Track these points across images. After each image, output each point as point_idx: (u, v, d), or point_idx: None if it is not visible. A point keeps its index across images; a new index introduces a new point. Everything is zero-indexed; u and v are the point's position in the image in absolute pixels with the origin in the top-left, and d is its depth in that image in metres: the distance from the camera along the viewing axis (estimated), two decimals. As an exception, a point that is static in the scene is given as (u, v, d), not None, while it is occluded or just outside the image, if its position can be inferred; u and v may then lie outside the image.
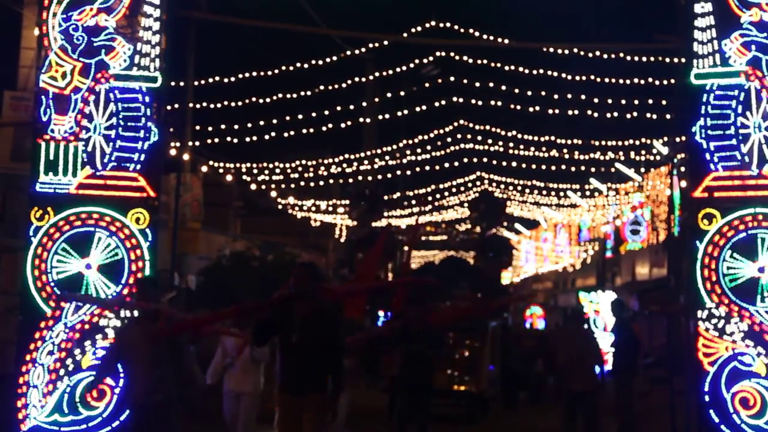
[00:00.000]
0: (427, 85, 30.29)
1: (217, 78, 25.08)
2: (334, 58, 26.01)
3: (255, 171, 32.38)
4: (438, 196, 39.28)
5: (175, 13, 11.16)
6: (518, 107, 28.18)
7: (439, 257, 41.70)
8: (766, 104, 10.11)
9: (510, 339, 20.41)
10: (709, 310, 10.07)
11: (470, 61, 26.80)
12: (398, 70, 28.18)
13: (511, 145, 33.21)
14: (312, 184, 33.79)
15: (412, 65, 28.15)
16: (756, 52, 10.13)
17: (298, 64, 25.58)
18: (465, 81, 28.32)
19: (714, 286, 10.08)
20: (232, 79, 25.22)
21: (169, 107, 13.87)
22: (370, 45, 26.24)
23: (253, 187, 33.83)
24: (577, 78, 25.37)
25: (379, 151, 33.91)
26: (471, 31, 24.48)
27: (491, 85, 27.70)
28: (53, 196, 10.36)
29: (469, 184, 38.03)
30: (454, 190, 38.79)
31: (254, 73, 25.55)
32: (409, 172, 35.43)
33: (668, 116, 26.17)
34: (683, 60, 10.67)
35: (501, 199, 31.26)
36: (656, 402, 15.59)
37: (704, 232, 10.20)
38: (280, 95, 26.54)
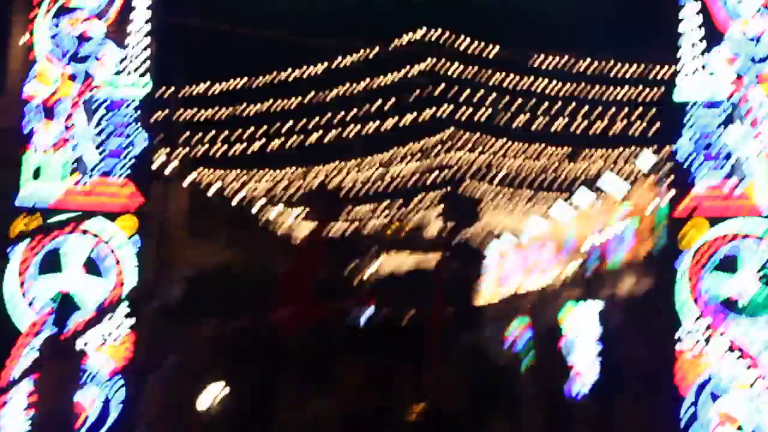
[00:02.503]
0: (415, 94, 30.35)
1: (206, 85, 25.11)
2: (324, 66, 26.05)
3: (242, 180, 32.38)
4: (424, 206, 39.29)
5: (165, 20, 11.15)
6: (507, 116, 28.27)
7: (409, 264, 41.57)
8: (752, 119, 10.14)
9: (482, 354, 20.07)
10: (690, 328, 10.05)
11: (460, 69, 26.89)
12: (387, 78, 28.24)
13: (500, 154, 33.29)
14: (300, 193, 33.78)
15: (401, 74, 28.21)
16: (741, 68, 10.16)
17: (287, 72, 25.61)
18: (454, 89, 28.39)
19: (696, 304, 10.06)
20: (222, 86, 25.26)
21: (157, 114, 13.86)
22: (358, 54, 26.28)
23: (240, 196, 33.81)
24: (566, 87, 25.48)
25: (367, 159, 33.93)
26: (461, 38, 24.56)
27: (481, 93, 27.78)
28: (39, 204, 10.34)
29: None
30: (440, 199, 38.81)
31: (244, 81, 25.58)
32: (397, 182, 35.46)
33: (653, 129, 26.28)
34: (669, 72, 10.68)
35: (473, 197, 31.12)
36: (636, 420, 15.57)
37: (688, 247, 10.20)
38: (269, 103, 26.58)
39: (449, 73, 27.39)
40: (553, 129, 28.30)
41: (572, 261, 53.95)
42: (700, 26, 10.28)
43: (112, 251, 10.32)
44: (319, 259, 9.74)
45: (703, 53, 10.27)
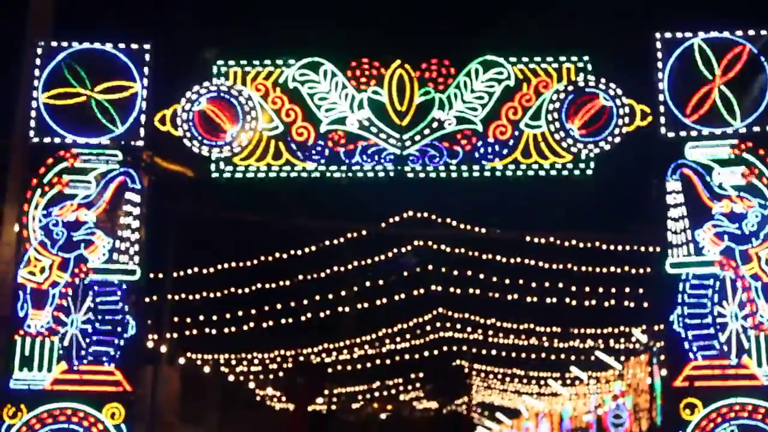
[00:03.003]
0: (405, 274, 30.46)
1: (196, 269, 25.18)
2: (313, 248, 26.20)
3: (233, 362, 32.18)
4: (418, 386, 38.99)
5: (155, 208, 11.29)
6: (497, 295, 28.31)
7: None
8: (742, 294, 10.21)
9: None
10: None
11: (448, 250, 27.06)
12: (377, 259, 28.37)
13: (491, 333, 33.25)
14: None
15: (390, 254, 28.36)
16: (728, 243, 10.30)
17: (277, 255, 25.74)
18: (443, 270, 28.53)
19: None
20: (211, 270, 25.33)
21: (147, 299, 13.85)
22: (349, 235, 26.47)
23: (231, 378, 33.54)
24: (555, 266, 25.62)
25: (357, 340, 33.83)
26: (448, 220, 24.80)
27: (469, 273, 27.88)
28: (27, 392, 10.25)
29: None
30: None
31: (233, 264, 25.67)
32: (388, 361, 35.30)
33: (645, 305, 26.31)
34: (658, 249, 10.81)
35: (462, 368, 30.90)
36: None
37: (687, 422, 10.12)
38: (258, 286, 26.62)
39: (437, 253, 27.59)
40: (543, 308, 28.29)
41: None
42: (687, 204, 10.45)
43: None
44: None
45: (691, 230, 10.40)
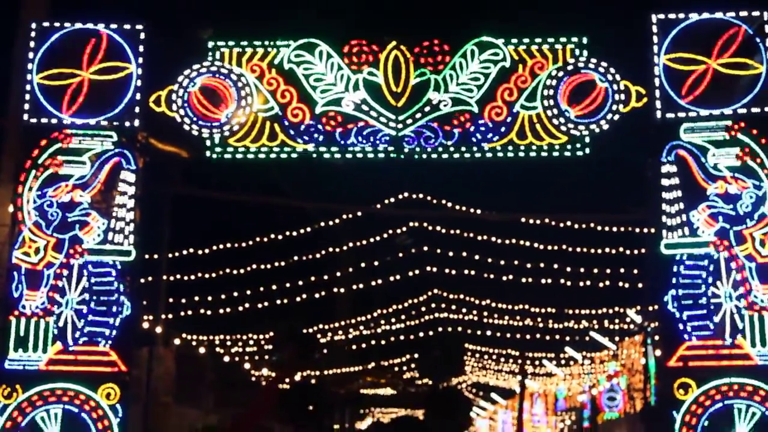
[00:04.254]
0: (400, 255, 30.48)
1: (191, 250, 25.19)
2: (308, 229, 26.21)
3: (228, 343, 32.21)
4: (413, 365, 39.06)
5: (150, 189, 11.28)
6: (492, 276, 28.35)
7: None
8: (736, 274, 10.23)
9: None
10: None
11: (443, 231, 27.08)
12: (372, 240, 28.39)
13: (486, 314, 33.29)
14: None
15: (385, 235, 28.38)
16: (723, 223, 10.31)
17: (272, 236, 25.74)
18: (438, 251, 28.56)
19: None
20: (207, 251, 25.34)
21: (142, 280, 13.83)
22: (344, 216, 26.48)
23: (227, 359, 33.57)
24: (550, 247, 25.65)
25: (353, 321, 33.87)
26: (444, 201, 24.81)
27: (464, 254, 27.91)
28: (22, 373, 10.26)
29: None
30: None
31: (228, 245, 25.68)
32: (383, 342, 35.36)
33: (640, 285, 26.35)
34: (653, 230, 10.83)
35: (457, 349, 30.97)
36: None
37: (680, 401, 10.15)
38: (254, 266, 26.64)
39: (433, 234, 27.61)
40: (538, 289, 28.33)
41: (565, 418, 53.48)
42: (682, 185, 10.46)
43: (95, 421, 10.19)
44: (267, 405, 9.62)
45: (686, 211, 10.42)
